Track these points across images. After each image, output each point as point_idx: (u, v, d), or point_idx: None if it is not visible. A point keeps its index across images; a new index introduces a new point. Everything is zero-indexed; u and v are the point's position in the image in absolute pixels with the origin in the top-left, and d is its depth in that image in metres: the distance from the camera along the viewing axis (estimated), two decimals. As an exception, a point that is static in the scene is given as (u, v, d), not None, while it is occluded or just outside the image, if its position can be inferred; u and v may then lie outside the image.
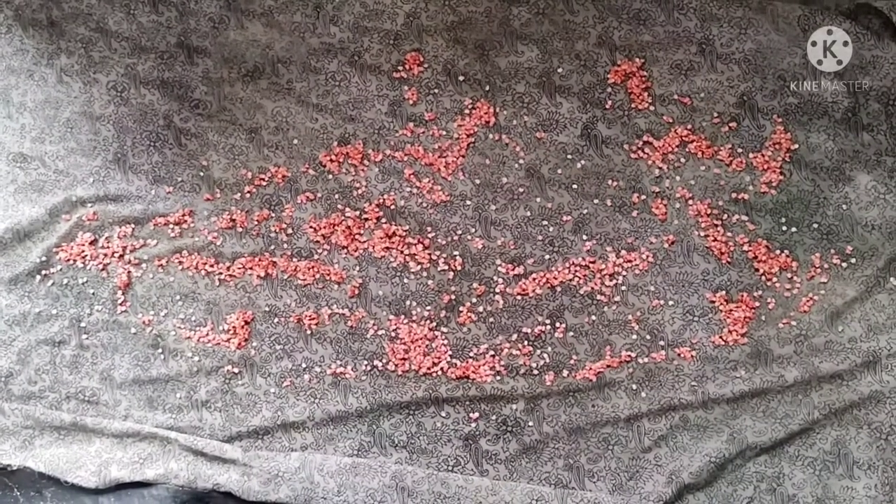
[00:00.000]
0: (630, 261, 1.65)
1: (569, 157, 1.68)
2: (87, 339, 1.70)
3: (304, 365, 1.67)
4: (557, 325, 1.65)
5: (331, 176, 1.71)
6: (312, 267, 1.69)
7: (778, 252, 1.62)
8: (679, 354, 1.62)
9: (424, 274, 1.68)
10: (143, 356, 1.69)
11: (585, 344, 1.64)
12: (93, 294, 1.71)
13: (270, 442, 1.65)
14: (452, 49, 1.70)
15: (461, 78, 1.70)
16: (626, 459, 1.59)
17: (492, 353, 1.65)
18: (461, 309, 1.67)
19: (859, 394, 1.56)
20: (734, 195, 1.64)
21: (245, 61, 1.73)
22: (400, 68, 1.71)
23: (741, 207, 1.64)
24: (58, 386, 1.69)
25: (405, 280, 1.68)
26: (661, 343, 1.63)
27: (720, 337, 1.61)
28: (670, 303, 1.63)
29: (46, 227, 1.73)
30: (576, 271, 1.66)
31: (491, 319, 1.66)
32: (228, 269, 1.70)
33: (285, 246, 1.70)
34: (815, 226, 1.62)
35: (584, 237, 1.66)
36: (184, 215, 1.72)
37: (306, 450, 1.64)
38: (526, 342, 1.65)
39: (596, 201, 1.67)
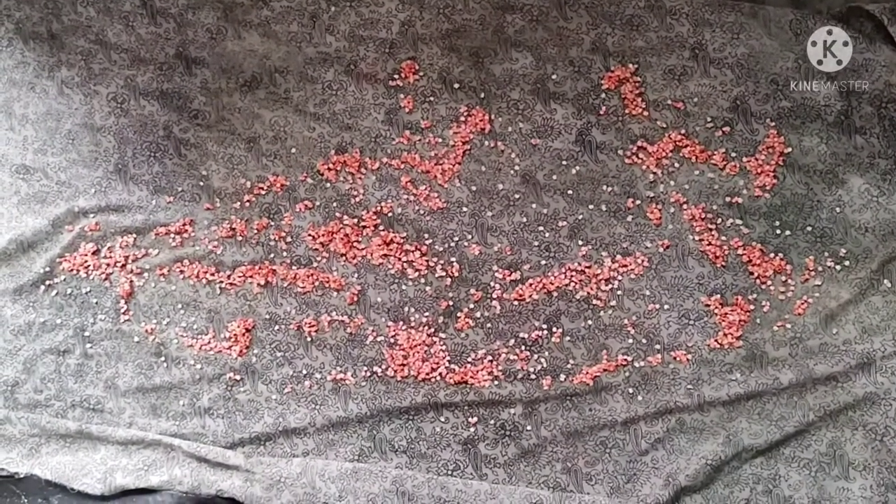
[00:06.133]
0: (625, 265, 1.66)
1: (564, 162, 1.69)
2: (91, 347, 1.72)
3: (304, 371, 1.69)
4: (554, 329, 1.66)
5: (329, 184, 1.73)
6: (311, 274, 1.71)
7: (772, 255, 1.63)
8: (675, 358, 1.63)
9: (422, 280, 1.70)
10: (146, 364, 1.71)
11: (582, 348, 1.65)
12: (96, 303, 1.73)
13: (272, 448, 1.67)
14: (447, 57, 1.72)
15: (456, 85, 1.71)
16: (623, 462, 1.61)
17: (490, 358, 1.67)
18: (459, 315, 1.68)
19: (854, 395, 1.57)
20: (728, 199, 1.65)
21: (243, 71, 1.74)
22: (396, 77, 1.72)
23: (735, 211, 1.65)
24: (63, 394, 1.72)
25: (403, 287, 1.70)
26: (657, 347, 1.64)
27: (715, 340, 1.62)
28: (666, 307, 1.65)
29: (50, 237, 1.75)
30: (572, 276, 1.67)
31: (488, 325, 1.68)
32: (229, 277, 1.72)
33: (284, 254, 1.72)
34: (809, 229, 1.63)
35: (580, 242, 1.68)
36: (184, 225, 1.74)
37: (308, 455, 1.66)
38: (523, 347, 1.66)
39: (591, 206, 1.68)
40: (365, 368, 1.68)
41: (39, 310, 1.74)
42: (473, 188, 1.70)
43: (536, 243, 1.68)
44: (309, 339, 1.70)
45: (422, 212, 1.71)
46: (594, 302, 1.66)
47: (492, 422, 1.64)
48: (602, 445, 1.62)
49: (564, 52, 1.69)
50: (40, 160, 1.76)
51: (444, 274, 1.69)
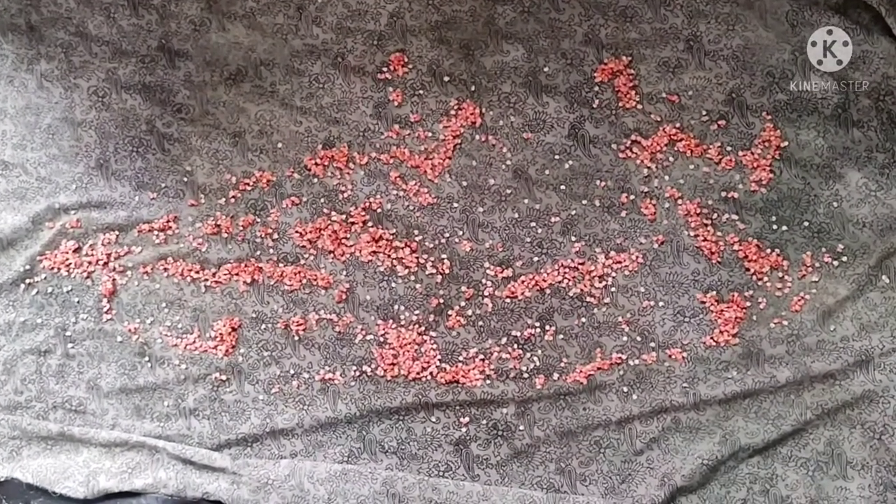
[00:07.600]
0: (619, 262, 1.63)
1: (556, 157, 1.66)
2: (72, 347, 1.68)
3: (292, 371, 1.66)
4: (547, 327, 1.63)
5: (316, 180, 1.69)
6: (299, 272, 1.68)
7: (769, 251, 1.61)
8: (670, 356, 1.60)
9: (412, 278, 1.66)
10: (129, 364, 1.68)
11: (576, 346, 1.63)
12: (78, 302, 1.69)
13: (260, 449, 1.64)
14: (437, 49, 1.68)
15: (446, 78, 1.68)
16: (618, 462, 1.58)
17: (481, 356, 1.63)
18: (450, 313, 1.65)
19: (852, 393, 1.54)
20: (724, 194, 1.62)
21: (227, 64, 1.70)
22: (384, 69, 1.69)
23: (731, 206, 1.62)
24: (44, 395, 1.68)
25: (393, 284, 1.66)
26: (652, 344, 1.61)
27: (711, 338, 1.60)
28: (660, 304, 1.62)
29: (30, 235, 1.71)
30: (565, 273, 1.64)
31: (480, 323, 1.65)
32: (214, 275, 1.69)
33: (271, 251, 1.69)
34: (806, 224, 1.60)
35: (573, 238, 1.65)
36: (168, 221, 1.70)
37: (296, 457, 1.63)
38: (516, 345, 1.63)
39: (584, 202, 1.65)
40: (354, 368, 1.65)
41: (19, 309, 1.70)
42: (464, 183, 1.67)
43: (529, 239, 1.65)
44: (296, 338, 1.66)
45: (411, 207, 1.67)
46: (588, 299, 1.63)
47: (484, 422, 1.61)
48: (596, 445, 1.59)
49: (557, 44, 1.66)
50: (19, 155, 1.72)
51: (434, 271, 1.66)
